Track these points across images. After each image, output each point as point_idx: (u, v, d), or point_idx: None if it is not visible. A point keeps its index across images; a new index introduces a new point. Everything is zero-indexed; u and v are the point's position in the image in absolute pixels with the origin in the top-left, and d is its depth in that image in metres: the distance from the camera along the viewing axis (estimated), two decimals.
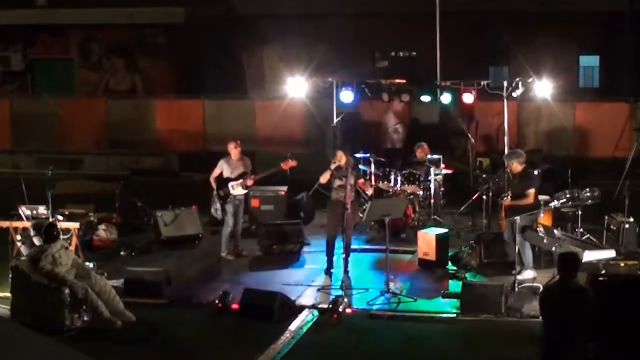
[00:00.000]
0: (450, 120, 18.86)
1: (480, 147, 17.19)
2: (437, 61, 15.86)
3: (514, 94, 14.28)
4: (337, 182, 11.35)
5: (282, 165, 12.51)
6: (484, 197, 13.17)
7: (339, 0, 24.19)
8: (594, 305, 7.09)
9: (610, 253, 10.41)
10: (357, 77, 15.97)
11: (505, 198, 11.38)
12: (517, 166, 11.26)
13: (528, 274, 11.00)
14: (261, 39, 24.93)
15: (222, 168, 12.34)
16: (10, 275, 10.03)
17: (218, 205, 12.43)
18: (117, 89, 26.56)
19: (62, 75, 26.98)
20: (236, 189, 12.30)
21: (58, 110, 22.66)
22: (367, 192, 11.95)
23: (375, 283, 10.96)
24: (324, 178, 11.46)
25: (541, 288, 10.36)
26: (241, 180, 12.28)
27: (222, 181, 12.34)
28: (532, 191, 11.08)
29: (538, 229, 10.98)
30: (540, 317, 7.47)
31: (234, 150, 12.32)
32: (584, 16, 23.33)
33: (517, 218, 10.63)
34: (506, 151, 13.86)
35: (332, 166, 11.33)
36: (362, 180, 11.83)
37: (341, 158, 11.34)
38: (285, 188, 14.59)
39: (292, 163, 12.50)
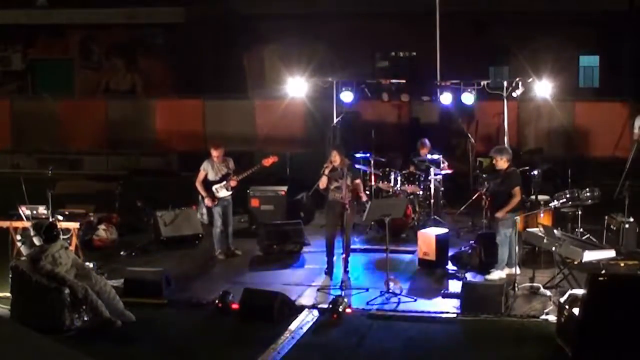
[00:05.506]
0: (450, 120, 18.85)
1: (480, 147, 17.17)
2: (437, 61, 15.82)
3: (514, 94, 14.26)
4: (334, 184, 11.29)
5: (263, 162, 12.51)
6: (484, 197, 13.16)
7: (339, 0, 24.19)
8: None
9: (610, 253, 10.40)
10: (357, 77, 15.96)
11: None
12: (502, 163, 11.25)
13: (497, 274, 11.01)
14: (261, 39, 24.92)
15: (207, 170, 12.35)
16: (10, 275, 10.02)
17: (204, 210, 12.41)
18: (117, 89, 26.57)
19: (62, 75, 26.98)
20: (221, 192, 12.31)
21: (58, 111, 22.65)
22: (362, 198, 11.72)
23: (375, 283, 10.96)
24: (322, 184, 11.41)
25: (541, 288, 10.40)
26: (224, 182, 12.29)
27: (207, 185, 12.35)
28: (517, 189, 11.06)
29: (538, 228, 10.99)
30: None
31: (215, 156, 12.37)
32: (584, 16, 23.33)
33: (498, 217, 10.66)
34: None
35: (326, 171, 11.27)
36: (358, 180, 11.68)
37: (335, 157, 11.28)
38: (285, 188, 14.58)
39: (272, 159, 12.52)
